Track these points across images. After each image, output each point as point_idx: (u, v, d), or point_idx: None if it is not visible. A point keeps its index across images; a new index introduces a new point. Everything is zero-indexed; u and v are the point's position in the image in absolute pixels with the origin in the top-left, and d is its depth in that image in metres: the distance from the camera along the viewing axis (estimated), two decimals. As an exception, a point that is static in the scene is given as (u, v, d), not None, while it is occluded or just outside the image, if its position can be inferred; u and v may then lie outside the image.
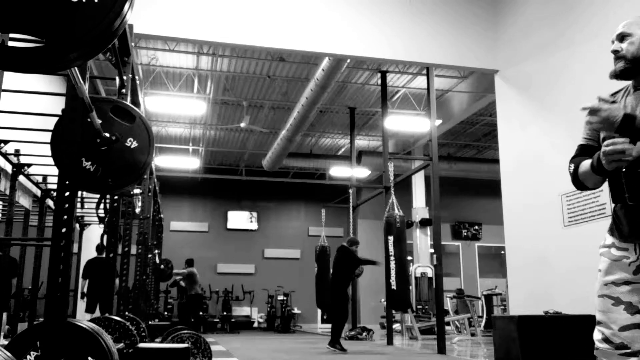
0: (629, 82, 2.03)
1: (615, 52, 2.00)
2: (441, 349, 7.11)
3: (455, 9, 6.92)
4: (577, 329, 4.74)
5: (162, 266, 11.38)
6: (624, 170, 1.85)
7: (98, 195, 4.89)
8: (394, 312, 9.90)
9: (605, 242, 1.99)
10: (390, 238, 7.86)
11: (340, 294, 7.75)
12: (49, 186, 6.50)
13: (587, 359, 4.87)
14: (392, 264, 7.73)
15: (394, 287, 7.66)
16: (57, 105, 4.72)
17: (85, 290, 8.48)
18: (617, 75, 2.01)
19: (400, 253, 7.79)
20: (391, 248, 7.81)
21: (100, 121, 2.58)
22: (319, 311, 16.32)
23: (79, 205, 7.50)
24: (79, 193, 4.56)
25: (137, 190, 5.99)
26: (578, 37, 5.55)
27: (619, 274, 1.90)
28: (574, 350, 4.67)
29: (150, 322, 6.91)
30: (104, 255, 5.34)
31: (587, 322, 4.72)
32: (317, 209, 14.76)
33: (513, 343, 4.78)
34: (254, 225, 17.29)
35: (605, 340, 1.91)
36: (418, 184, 14.24)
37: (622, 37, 2.00)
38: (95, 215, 4.90)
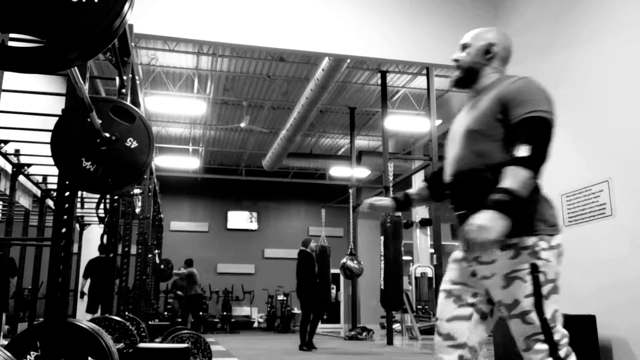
0: None
1: (455, 60, 2.03)
2: (441, 349, 7.10)
3: (455, 9, 6.92)
4: (577, 329, 4.73)
5: (162, 266, 11.38)
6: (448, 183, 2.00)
7: (98, 195, 4.90)
8: (393, 312, 9.90)
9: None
10: (381, 238, 7.95)
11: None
12: (49, 186, 6.50)
13: (587, 359, 4.87)
14: (382, 264, 7.82)
15: (382, 286, 7.77)
16: (57, 105, 4.72)
17: (85, 289, 8.47)
18: (454, 83, 2.05)
19: (393, 253, 7.80)
20: (381, 248, 7.89)
21: (100, 121, 2.58)
22: (319, 311, 16.31)
23: (79, 205, 7.50)
24: (79, 193, 4.56)
25: (137, 190, 5.98)
26: (578, 37, 5.55)
27: (457, 276, 1.97)
28: (574, 350, 4.66)
29: (150, 322, 6.91)
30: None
31: (587, 322, 4.73)
32: (317, 209, 14.75)
33: (513, 343, 4.78)
34: (254, 225, 17.28)
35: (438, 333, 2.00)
36: (418, 184, 14.19)
37: (463, 47, 2.03)
38: (95, 215, 4.91)
